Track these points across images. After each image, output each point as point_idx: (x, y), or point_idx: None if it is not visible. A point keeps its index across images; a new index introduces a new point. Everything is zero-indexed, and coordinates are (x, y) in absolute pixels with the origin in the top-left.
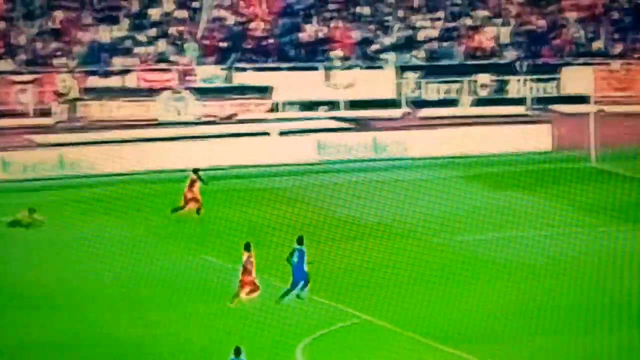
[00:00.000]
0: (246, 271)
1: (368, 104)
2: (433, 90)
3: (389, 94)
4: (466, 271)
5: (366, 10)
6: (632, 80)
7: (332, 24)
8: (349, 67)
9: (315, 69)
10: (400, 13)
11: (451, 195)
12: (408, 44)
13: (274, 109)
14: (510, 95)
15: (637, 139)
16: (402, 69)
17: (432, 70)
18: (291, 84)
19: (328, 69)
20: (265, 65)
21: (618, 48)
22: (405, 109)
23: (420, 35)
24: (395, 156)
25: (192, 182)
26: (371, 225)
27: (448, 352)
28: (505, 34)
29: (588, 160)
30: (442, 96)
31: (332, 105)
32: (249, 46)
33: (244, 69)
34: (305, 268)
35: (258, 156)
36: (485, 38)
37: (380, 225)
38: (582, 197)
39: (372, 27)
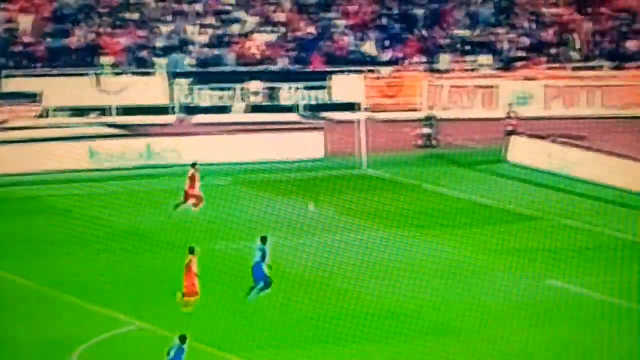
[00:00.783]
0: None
1: (140, 110)
2: (205, 96)
3: (162, 100)
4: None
5: (136, 15)
6: (401, 87)
7: (102, 30)
8: (120, 73)
9: (85, 74)
10: (170, 19)
11: (225, 202)
12: (179, 50)
13: (43, 114)
14: (282, 102)
15: (407, 144)
16: (174, 75)
17: (203, 76)
18: (61, 89)
19: (98, 74)
20: (34, 72)
21: (387, 55)
22: (178, 115)
23: (191, 41)
24: (169, 162)
25: (192, 177)
26: (147, 234)
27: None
28: (275, 40)
29: (359, 166)
30: (214, 103)
31: (103, 111)
32: (18, 51)
33: (13, 75)
34: (265, 269)
35: (28, 163)
36: (256, 45)
37: (154, 234)
38: (355, 203)
39: (142, 32)
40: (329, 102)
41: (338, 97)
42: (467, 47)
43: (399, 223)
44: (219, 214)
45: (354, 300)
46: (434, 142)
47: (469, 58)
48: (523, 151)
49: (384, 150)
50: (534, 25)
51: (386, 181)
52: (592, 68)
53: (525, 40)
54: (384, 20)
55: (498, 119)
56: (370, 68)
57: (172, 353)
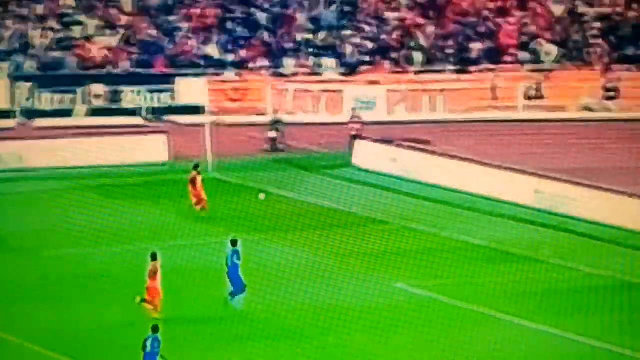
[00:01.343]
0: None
1: None
2: (47, 100)
3: (3, 104)
4: (77, 286)
5: None
6: (246, 90)
7: None
8: None
9: None
10: (12, 22)
11: (66, 207)
12: (21, 53)
13: None
14: (125, 106)
15: (254, 149)
16: (15, 78)
17: (45, 80)
18: None
19: None
20: None
21: (232, 59)
22: (20, 119)
23: (33, 45)
24: (10, 167)
25: (193, 179)
26: None
27: None
28: (117, 43)
29: (205, 170)
30: (56, 106)
31: None
32: None
33: None
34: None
35: None
36: (98, 48)
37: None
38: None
39: None
40: (173, 105)
41: (183, 100)
42: (312, 51)
43: (247, 228)
44: (60, 220)
45: (200, 306)
46: (280, 146)
47: (313, 62)
48: (368, 156)
49: (230, 154)
50: (376, 30)
51: (233, 186)
52: (436, 72)
53: (369, 45)
54: (228, 24)
55: (343, 124)
56: (215, 72)
57: (148, 345)
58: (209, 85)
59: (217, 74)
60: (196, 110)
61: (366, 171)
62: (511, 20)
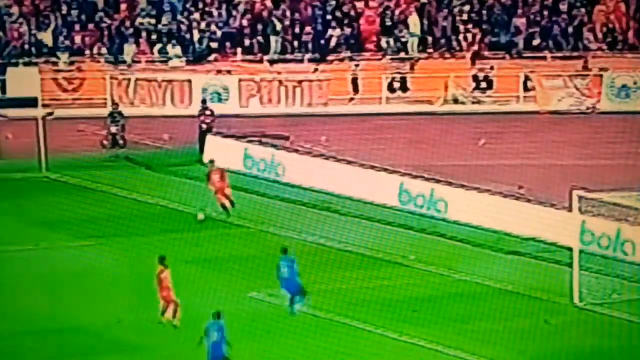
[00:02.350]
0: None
1: None
2: None
3: None
4: None
5: None
6: (82, 80)
7: None
8: None
9: None
10: None
11: None
12: None
13: None
14: None
15: (92, 145)
16: None
17: None
18: None
19: None
20: None
21: (66, 45)
22: None
23: None
24: None
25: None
26: None
27: None
28: None
29: (38, 169)
30: None
31: None
32: None
33: None
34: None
35: None
36: None
37: None
38: (34, 211)
39: None
40: (1, 97)
41: (12, 92)
42: (154, 38)
43: (85, 232)
44: None
45: (26, 318)
46: (120, 141)
47: (156, 49)
48: (220, 152)
49: (66, 151)
50: (224, 14)
51: (69, 186)
52: (293, 61)
53: (217, 31)
54: (63, 8)
55: (192, 117)
56: (47, 59)
57: (213, 333)
58: (42, 75)
59: (50, 63)
60: (27, 102)
61: None
62: (372, 3)
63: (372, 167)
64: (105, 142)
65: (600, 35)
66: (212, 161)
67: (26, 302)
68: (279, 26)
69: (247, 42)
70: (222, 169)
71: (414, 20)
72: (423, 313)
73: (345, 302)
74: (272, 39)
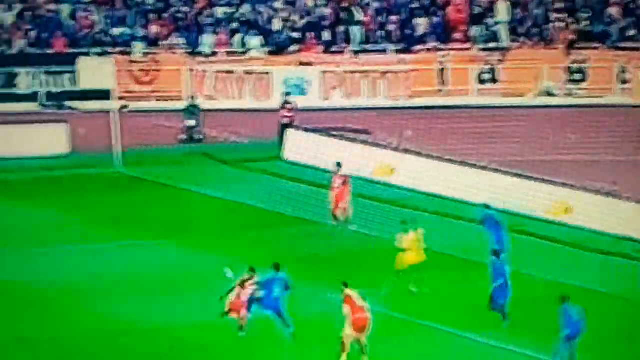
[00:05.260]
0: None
1: None
2: None
3: None
4: None
5: None
6: (158, 72)
7: None
8: None
9: None
10: None
11: None
12: None
13: None
14: (20, 90)
15: (168, 139)
16: None
17: None
18: None
19: None
20: None
21: (142, 35)
22: None
23: None
24: None
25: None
26: None
27: None
28: (10, 20)
29: (112, 164)
30: None
31: None
32: None
33: None
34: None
35: None
36: None
37: None
38: (108, 207)
39: None
40: (75, 89)
41: (85, 84)
42: (233, 28)
43: (159, 231)
44: None
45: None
46: (197, 136)
47: (236, 40)
48: (300, 147)
49: (141, 145)
50: (309, 3)
51: (144, 182)
52: (377, 52)
53: (300, 21)
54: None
55: (272, 110)
56: (122, 50)
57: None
58: (116, 66)
59: (125, 54)
60: (101, 95)
61: (298, 165)
62: None
63: (461, 163)
64: (181, 136)
65: None
66: (339, 164)
67: (98, 301)
68: (362, 16)
69: (329, 32)
70: (346, 175)
71: (502, 6)
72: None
73: (445, 305)
74: (355, 28)
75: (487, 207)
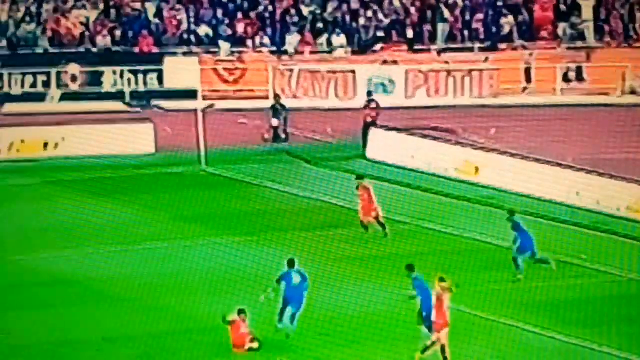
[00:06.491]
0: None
1: None
2: (17, 82)
3: None
4: (50, 292)
5: None
6: (243, 71)
7: None
8: None
9: None
10: None
11: (36, 205)
12: None
13: None
14: (105, 89)
15: (253, 138)
16: None
17: (14, 59)
18: None
19: None
20: None
21: (227, 35)
22: None
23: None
24: None
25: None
26: None
27: None
28: (95, 17)
29: (197, 163)
30: (26, 89)
31: None
32: None
33: None
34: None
35: None
36: (73, 23)
37: None
38: (192, 205)
39: None
40: (160, 88)
41: (171, 83)
42: (319, 27)
43: (244, 228)
44: (29, 220)
45: (180, 316)
46: (283, 135)
47: (321, 39)
48: (384, 146)
49: (226, 144)
50: (395, 2)
51: (229, 180)
52: (462, 51)
53: (384, 19)
54: None
55: (356, 109)
56: (208, 49)
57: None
58: (202, 65)
59: (211, 53)
60: (187, 94)
61: (382, 164)
62: None
63: (547, 162)
64: (266, 135)
65: None
66: (360, 177)
67: (183, 300)
68: (447, 14)
69: (414, 30)
70: (368, 187)
71: (587, 4)
72: (593, 314)
73: (511, 302)
74: (440, 27)
75: (511, 213)
